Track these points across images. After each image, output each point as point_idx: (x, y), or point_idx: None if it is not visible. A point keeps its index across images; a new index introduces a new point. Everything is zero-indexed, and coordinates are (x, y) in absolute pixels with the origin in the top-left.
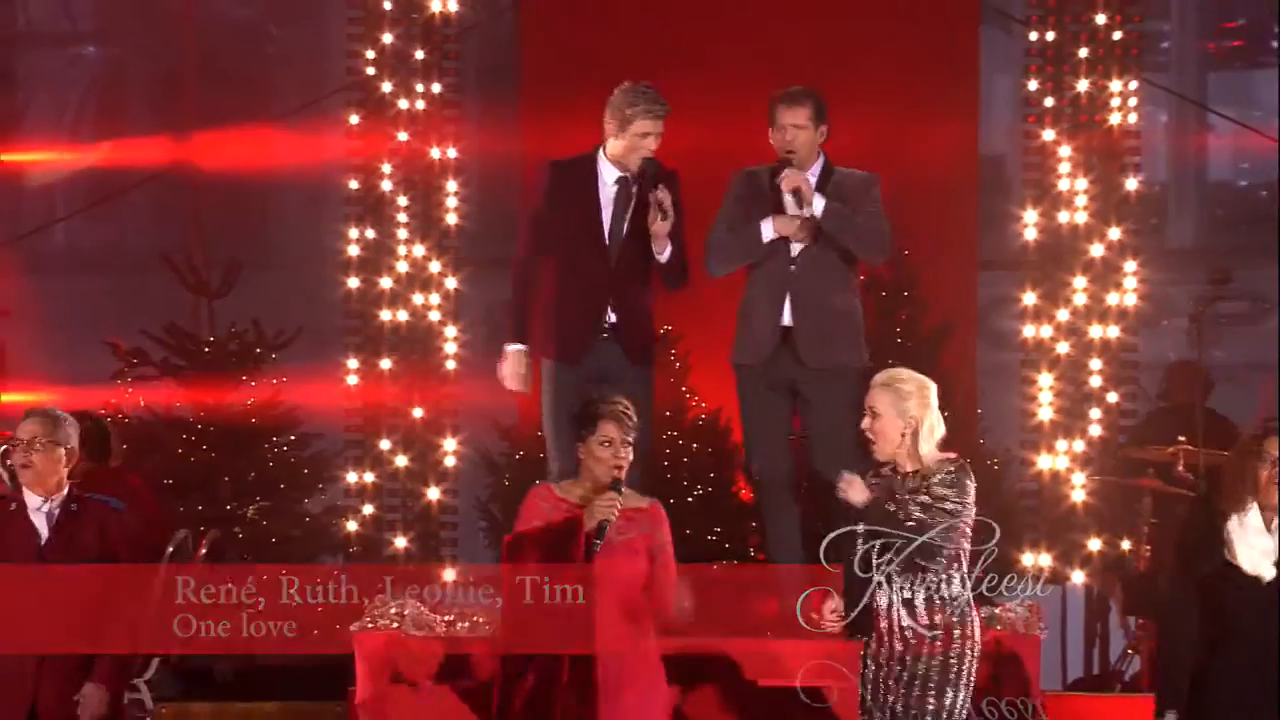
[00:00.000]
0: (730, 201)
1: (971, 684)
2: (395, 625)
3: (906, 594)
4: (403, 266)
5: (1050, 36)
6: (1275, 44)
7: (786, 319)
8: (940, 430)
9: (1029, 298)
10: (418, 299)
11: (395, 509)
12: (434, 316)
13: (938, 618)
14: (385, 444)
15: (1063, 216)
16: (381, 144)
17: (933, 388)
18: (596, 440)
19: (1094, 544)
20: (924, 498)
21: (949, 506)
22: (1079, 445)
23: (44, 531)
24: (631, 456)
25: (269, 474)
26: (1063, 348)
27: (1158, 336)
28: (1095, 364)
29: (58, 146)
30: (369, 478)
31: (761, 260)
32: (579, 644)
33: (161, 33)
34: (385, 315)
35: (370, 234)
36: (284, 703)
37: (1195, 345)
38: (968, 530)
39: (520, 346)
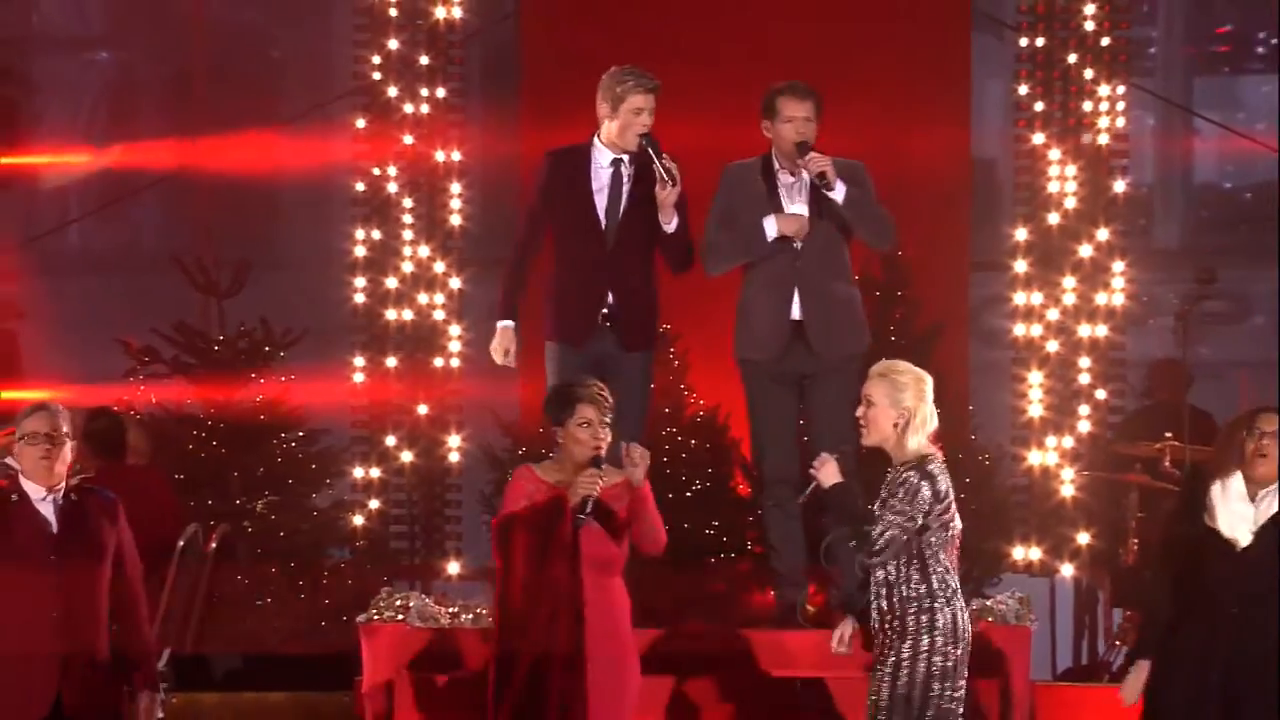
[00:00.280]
0: (721, 198)
1: (934, 682)
2: (400, 617)
3: (876, 587)
4: (408, 267)
5: (1040, 42)
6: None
7: (796, 313)
8: (933, 423)
9: (1019, 297)
10: (422, 299)
11: (401, 504)
12: (438, 316)
13: (896, 610)
14: (391, 440)
15: (1052, 218)
16: (387, 147)
17: (929, 380)
18: (575, 422)
19: (1083, 538)
20: (884, 492)
21: (894, 505)
22: (1068, 441)
23: (54, 522)
24: (610, 437)
25: (277, 469)
26: (1053, 346)
27: (1145, 335)
28: (1084, 362)
29: (70, 149)
30: (375, 473)
31: (762, 256)
32: (568, 622)
33: (171, 38)
34: (391, 314)
35: (376, 235)
36: (292, 693)
37: (1181, 343)
38: (928, 530)
39: (508, 323)
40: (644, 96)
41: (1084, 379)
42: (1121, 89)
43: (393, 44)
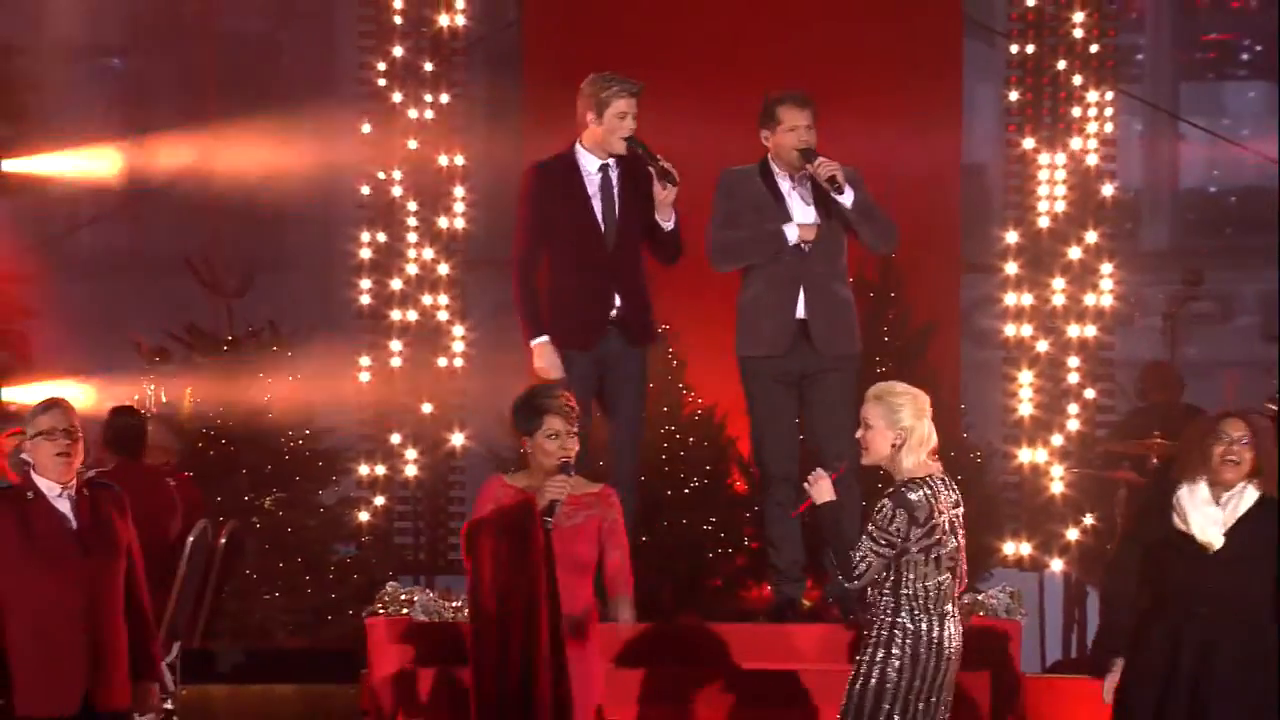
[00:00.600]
0: (722, 202)
1: (891, 694)
2: (405, 611)
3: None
4: (412, 268)
5: (1030, 49)
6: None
7: (801, 312)
8: (932, 441)
9: (1010, 298)
10: (426, 299)
11: (405, 500)
12: (442, 316)
13: (869, 622)
14: (396, 438)
15: (1042, 221)
16: (392, 151)
17: (925, 399)
18: (544, 434)
19: (1072, 534)
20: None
21: (872, 531)
22: (1058, 439)
23: (72, 518)
24: (578, 447)
25: (285, 467)
26: (1042, 346)
27: (1133, 335)
28: (1073, 361)
29: (83, 153)
30: (380, 470)
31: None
32: (549, 623)
33: (182, 45)
34: (396, 315)
35: (381, 237)
36: (299, 685)
37: (1168, 343)
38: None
39: (544, 338)
40: (628, 100)
41: (1073, 378)
42: (1109, 95)
43: (397, 51)
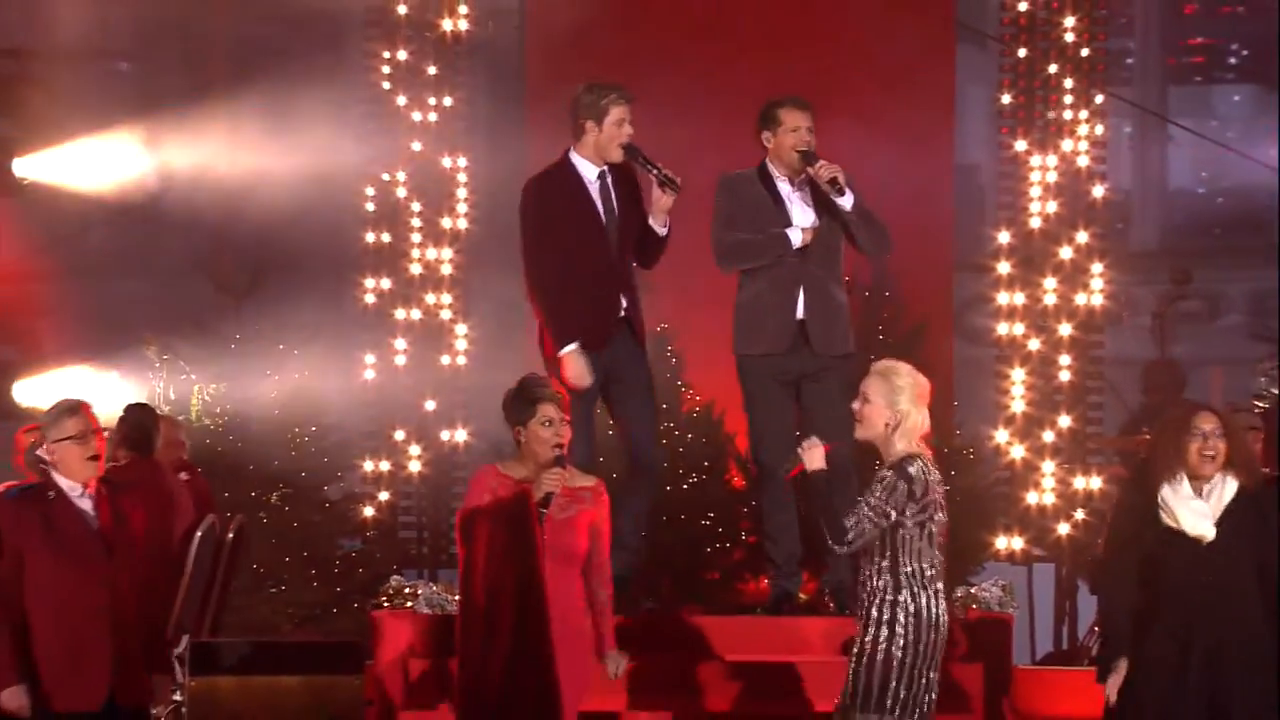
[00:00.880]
0: (723, 206)
1: (899, 670)
2: (409, 604)
3: (858, 581)
4: (416, 268)
5: (1022, 53)
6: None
7: (800, 312)
8: (924, 427)
9: (1002, 297)
10: (430, 298)
11: (409, 496)
12: (446, 315)
13: (866, 603)
14: (399, 435)
15: (1033, 221)
16: (396, 154)
17: (927, 387)
18: (538, 421)
19: (1063, 528)
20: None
21: (871, 500)
22: (1049, 436)
23: (94, 516)
24: (570, 435)
25: (291, 463)
26: (1034, 344)
27: (1123, 334)
28: (1064, 359)
29: (94, 155)
30: (385, 466)
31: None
32: (536, 614)
33: (191, 49)
34: (400, 314)
35: (386, 238)
36: (305, 677)
37: (1158, 342)
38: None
39: (574, 346)
40: (625, 108)
41: (1064, 376)
42: (1100, 98)
43: (402, 55)
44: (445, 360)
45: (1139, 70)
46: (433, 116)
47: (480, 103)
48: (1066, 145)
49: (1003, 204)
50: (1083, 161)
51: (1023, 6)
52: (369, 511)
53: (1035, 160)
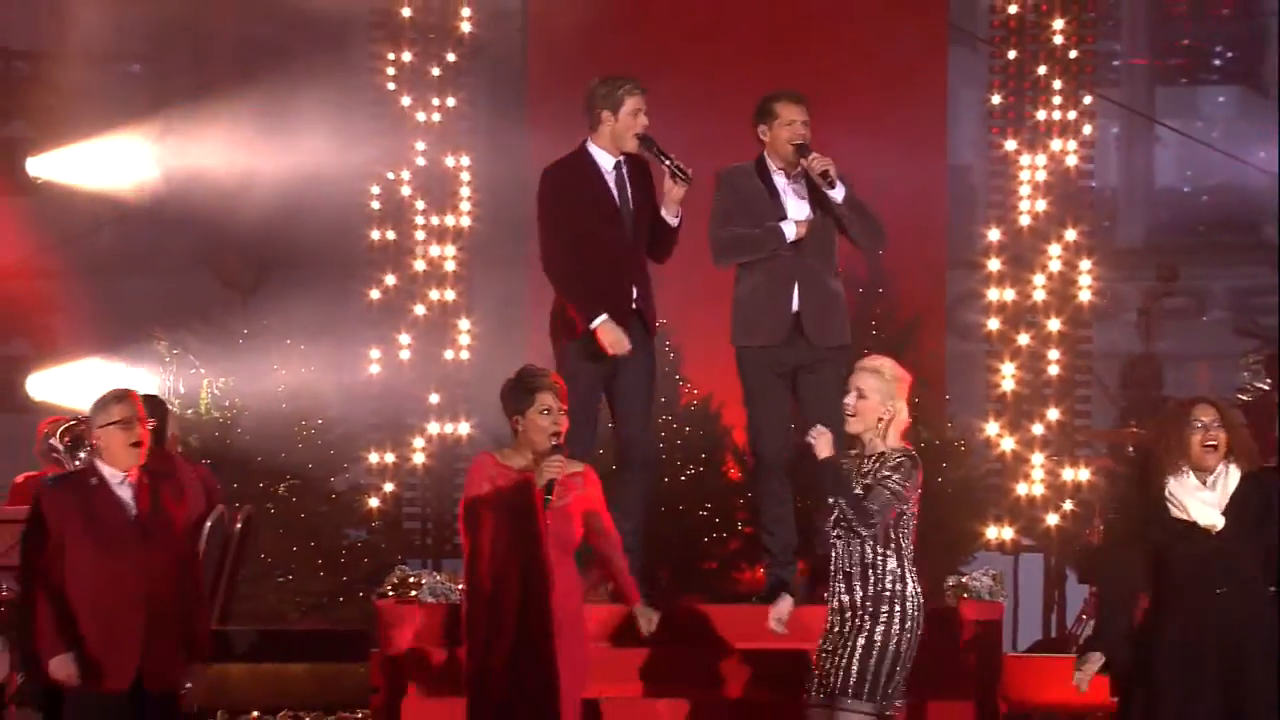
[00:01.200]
0: (721, 200)
1: (901, 658)
2: (413, 594)
3: (847, 567)
4: (420, 264)
5: (1012, 55)
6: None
7: (795, 304)
8: (905, 422)
9: (993, 293)
10: (434, 294)
11: (414, 487)
12: (449, 310)
13: (871, 590)
14: (404, 428)
15: (1023, 220)
16: (401, 153)
17: (909, 381)
18: (536, 410)
19: (1052, 519)
20: (874, 475)
21: (892, 485)
22: (1038, 428)
23: (133, 505)
24: (568, 423)
25: (298, 455)
26: (1023, 339)
27: (1110, 329)
28: (1053, 354)
29: (105, 155)
30: (390, 458)
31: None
32: (541, 602)
33: (200, 51)
34: (404, 309)
35: (391, 235)
36: (311, 664)
37: (1144, 337)
38: (904, 515)
39: (604, 316)
40: (640, 98)
41: (1053, 370)
42: (1088, 99)
43: (406, 56)
44: (449, 354)
45: (1126, 72)
46: (436, 117)
47: (482, 103)
48: (1055, 145)
49: (993, 202)
50: (1071, 161)
51: (1012, 9)
52: (374, 502)
53: (1025, 160)
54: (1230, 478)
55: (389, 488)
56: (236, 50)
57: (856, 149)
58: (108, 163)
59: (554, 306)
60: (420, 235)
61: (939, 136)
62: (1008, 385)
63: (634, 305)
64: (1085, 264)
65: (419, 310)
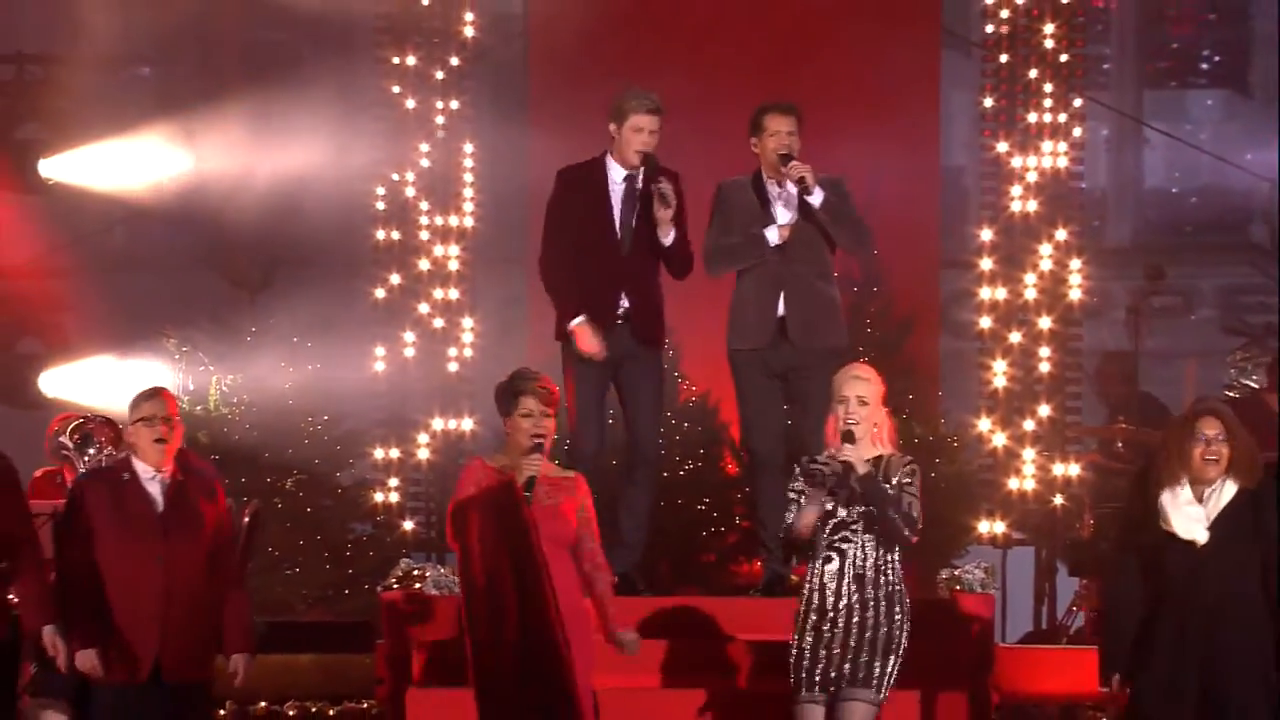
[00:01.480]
0: (717, 211)
1: (904, 651)
2: (418, 586)
3: (859, 569)
4: (424, 264)
5: (1004, 59)
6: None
7: (781, 309)
8: (893, 425)
9: (985, 292)
10: (438, 293)
11: (418, 482)
12: (452, 309)
13: (884, 590)
14: (409, 424)
15: (1015, 220)
16: (405, 154)
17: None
18: (519, 413)
19: (1043, 513)
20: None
21: (914, 493)
22: (1029, 424)
23: (160, 500)
24: (553, 428)
25: (305, 450)
26: (1015, 337)
27: (1100, 327)
28: (1044, 351)
29: (116, 156)
30: (394, 454)
31: (760, 260)
32: (540, 596)
33: (209, 55)
34: (409, 308)
35: (395, 235)
36: (318, 655)
37: (1132, 335)
38: None
39: (582, 318)
40: (645, 117)
41: (1044, 367)
42: (1078, 101)
43: (411, 60)
44: (452, 352)
45: (1115, 75)
46: (440, 119)
47: (485, 106)
48: (1046, 147)
49: (985, 203)
50: (1061, 163)
51: (1004, 14)
52: (379, 497)
53: (1016, 161)
54: (1225, 492)
55: (394, 483)
56: (244, 54)
57: (852, 151)
58: (118, 164)
59: None
60: (424, 235)
61: (932, 138)
62: (1000, 382)
63: (620, 316)
64: (1075, 263)
65: (423, 309)
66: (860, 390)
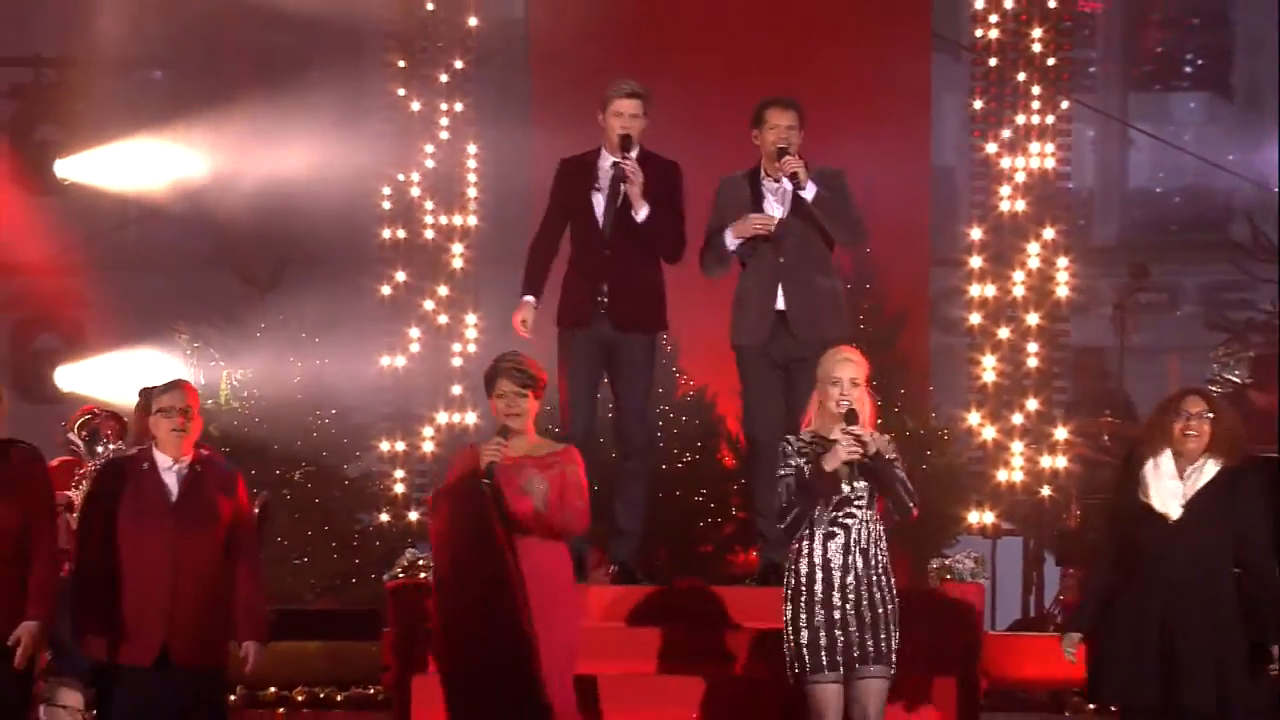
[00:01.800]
0: (715, 208)
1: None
2: (423, 575)
3: (863, 544)
4: (429, 262)
5: (993, 62)
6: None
7: (780, 304)
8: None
9: (974, 289)
10: (442, 290)
11: (423, 474)
12: (456, 305)
13: (881, 564)
14: (414, 417)
15: (1003, 219)
16: (411, 155)
17: None
18: (495, 394)
19: (1031, 504)
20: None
21: (902, 466)
22: (1018, 418)
23: (174, 489)
24: (526, 407)
25: (313, 443)
26: (1004, 333)
27: (1086, 323)
28: (1032, 347)
29: (129, 157)
30: (400, 446)
31: (754, 254)
32: (507, 581)
33: (220, 59)
34: (414, 304)
35: (401, 234)
36: (325, 642)
37: (1118, 331)
38: None
39: (528, 297)
40: (623, 101)
41: (1032, 362)
42: (1065, 104)
43: (415, 63)
44: (456, 347)
45: (1101, 78)
46: (444, 121)
47: (488, 107)
48: (1034, 148)
49: (975, 203)
50: (1049, 163)
51: (994, 19)
52: (399, 489)
53: (1005, 162)
54: (1206, 471)
55: (400, 474)
56: (254, 59)
57: (846, 152)
58: (131, 164)
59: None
60: (429, 234)
61: (923, 140)
62: (989, 377)
63: (604, 301)
64: (1062, 261)
65: (428, 305)
66: (852, 372)
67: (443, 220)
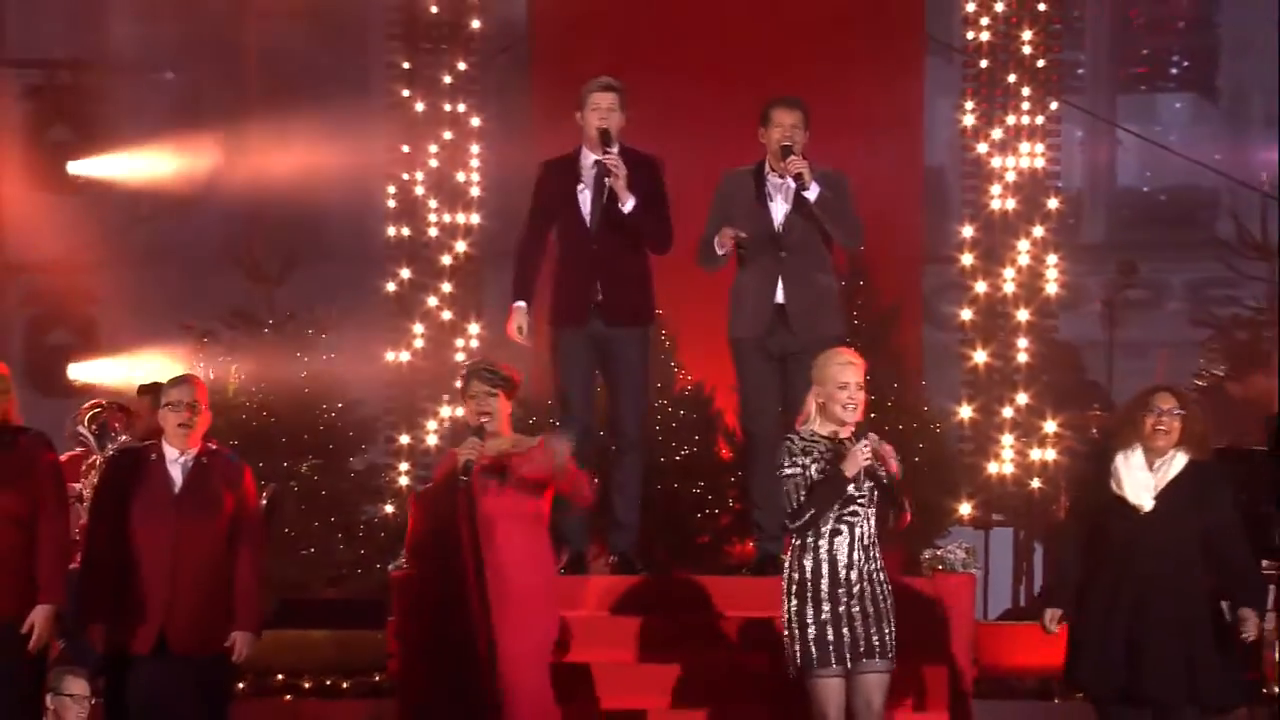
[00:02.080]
0: (717, 202)
1: None
2: None
3: (866, 540)
4: (433, 259)
5: (984, 64)
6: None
7: (779, 298)
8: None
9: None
10: (446, 286)
11: (427, 466)
12: (460, 302)
13: (878, 559)
14: (419, 411)
15: (994, 218)
16: (415, 155)
17: None
18: (468, 395)
19: (1020, 495)
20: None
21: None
22: (1008, 411)
23: (178, 481)
24: (497, 407)
25: (320, 436)
26: (995, 329)
27: (1075, 319)
28: (1022, 342)
29: (141, 156)
30: (405, 439)
31: (754, 250)
32: (469, 576)
33: (230, 61)
34: (418, 300)
35: (406, 232)
36: (331, 631)
37: (1106, 327)
38: None
39: (520, 303)
40: (598, 94)
41: (1021, 357)
42: (1054, 105)
43: (420, 65)
44: (460, 342)
45: (1090, 80)
46: (448, 121)
47: (491, 107)
48: (1024, 148)
49: (967, 202)
50: (1039, 163)
51: (985, 22)
52: (404, 481)
53: (996, 162)
54: (1174, 465)
55: (404, 467)
56: (263, 59)
57: (840, 152)
58: (143, 164)
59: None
60: (433, 232)
61: (916, 140)
62: (980, 371)
63: (597, 299)
64: (1052, 258)
65: (432, 301)
66: (858, 376)
67: (446, 218)
